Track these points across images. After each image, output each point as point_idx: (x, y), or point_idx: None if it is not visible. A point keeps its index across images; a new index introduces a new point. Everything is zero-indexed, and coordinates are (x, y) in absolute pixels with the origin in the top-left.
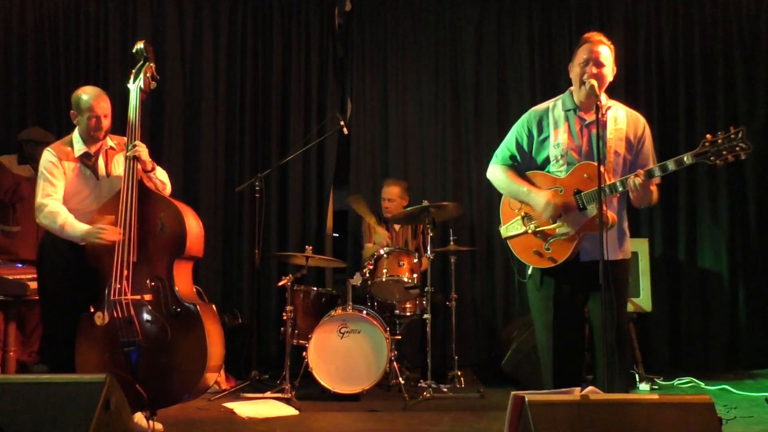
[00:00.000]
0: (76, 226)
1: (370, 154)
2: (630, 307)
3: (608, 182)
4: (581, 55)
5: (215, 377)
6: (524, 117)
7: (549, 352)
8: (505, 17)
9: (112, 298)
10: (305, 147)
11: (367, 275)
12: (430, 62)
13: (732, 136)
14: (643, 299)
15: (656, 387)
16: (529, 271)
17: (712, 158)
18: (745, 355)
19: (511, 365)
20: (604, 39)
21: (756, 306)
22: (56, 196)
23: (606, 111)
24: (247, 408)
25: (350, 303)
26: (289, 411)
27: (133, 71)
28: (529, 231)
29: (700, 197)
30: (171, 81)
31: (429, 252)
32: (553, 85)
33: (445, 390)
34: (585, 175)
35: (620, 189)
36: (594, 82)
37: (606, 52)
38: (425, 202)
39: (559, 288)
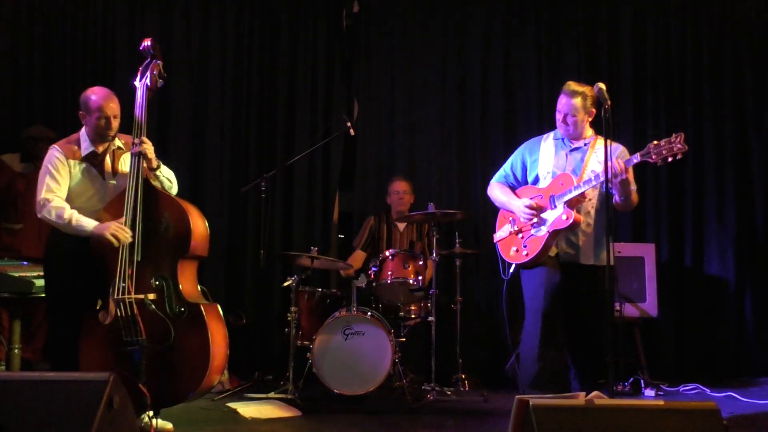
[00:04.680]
0: (83, 221)
1: (377, 155)
2: (636, 312)
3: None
4: (558, 105)
5: (219, 377)
6: (522, 146)
7: (536, 334)
8: (512, 20)
9: (115, 296)
10: (311, 148)
11: (372, 277)
12: (437, 64)
13: (672, 140)
14: (648, 304)
15: (661, 393)
16: (511, 270)
17: (654, 156)
18: (752, 362)
19: (515, 369)
20: (578, 89)
21: (763, 312)
22: (59, 193)
23: (593, 139)
24: (251, 408)
25: (355, 304)
26: (292, 412)
27: (140, 69)
28: (513, 231)
29: (707, 202)
30: (177, 81)
31: (434, 255)
32: (560, 88)
33: (449, 393)
34: (560, 183)
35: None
36: (602, 85)
37: (577, 104)
38: (431, 205)
39: (550, 277)
